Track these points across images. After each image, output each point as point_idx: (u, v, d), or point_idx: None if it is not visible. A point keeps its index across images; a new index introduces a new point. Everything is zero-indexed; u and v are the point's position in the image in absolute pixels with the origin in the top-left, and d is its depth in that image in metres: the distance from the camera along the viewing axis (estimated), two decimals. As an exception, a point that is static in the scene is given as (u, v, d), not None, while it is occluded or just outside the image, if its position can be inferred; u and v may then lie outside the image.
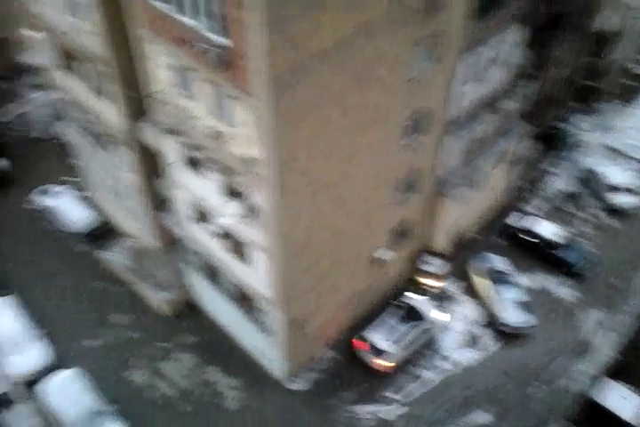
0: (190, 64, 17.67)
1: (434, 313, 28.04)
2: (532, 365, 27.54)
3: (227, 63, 16.11)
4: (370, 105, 19.58)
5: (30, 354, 26.85)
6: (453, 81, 23.14)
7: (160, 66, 19.28)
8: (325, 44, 16.11)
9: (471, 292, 30.05)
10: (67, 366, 26.67)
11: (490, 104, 26.91)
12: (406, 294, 28.86)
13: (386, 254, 26.57)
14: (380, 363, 26.36)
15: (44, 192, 33.13)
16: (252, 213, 19.95)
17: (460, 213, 29.82)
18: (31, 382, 26.29)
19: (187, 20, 16.52)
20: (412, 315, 27.53)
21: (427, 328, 27.55)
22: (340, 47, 16.59)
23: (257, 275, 22.29)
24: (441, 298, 29.33)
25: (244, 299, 24.66)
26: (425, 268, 29.47)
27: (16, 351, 26.79)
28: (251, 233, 20.79)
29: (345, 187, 21.39)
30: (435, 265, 29.45)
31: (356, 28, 16.80)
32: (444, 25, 20.28)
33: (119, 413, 25.21)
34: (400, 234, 27.34)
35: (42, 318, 28.59)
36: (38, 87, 37.03)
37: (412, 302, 28.13)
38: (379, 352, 26.31)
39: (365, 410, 26.00)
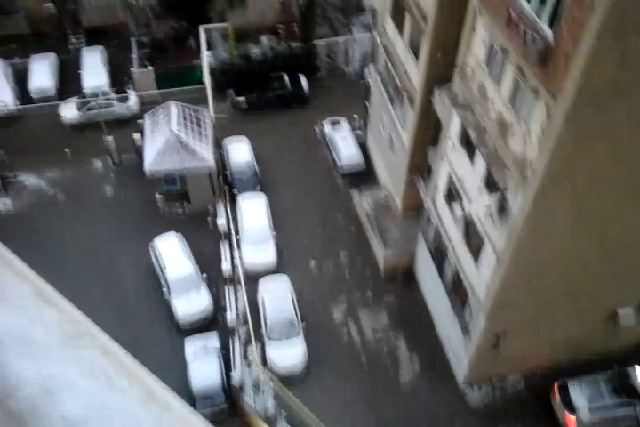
0: (507, 46, 16.63)
1: None
2: None
3: (543, 55, 14.80)
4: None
5: (263, 249, 29.16)
6: None
7: (479, 40, 18.54)
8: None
9: None
10: (283, 271, 28.78)
11: None
12: (635, 365, 25.12)
13: (629, 316, 23.27)
14: (567, 418, 23.70)
15: (334, 122, 34.97)
16: (502, 212, 18.83)
17: None
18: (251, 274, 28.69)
19: (524, 2, 15.41)
20: (629, 390, 23.94)
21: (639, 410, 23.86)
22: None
23: (479, 273, 21.31)
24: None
25: (456, 289, 23.97)
26: None
27: (255, 242, 29.28)
28: (492, 231, 19.72)
29: (615, 227, 18.77)
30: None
31: None
32: None
33: (305, 330, 26.57)
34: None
35: (278, 225, 30.44)
36: (367, 28, 38.59)
37: (635, 376, 24.40)
38: (571, 408, 23.56)
39: None
